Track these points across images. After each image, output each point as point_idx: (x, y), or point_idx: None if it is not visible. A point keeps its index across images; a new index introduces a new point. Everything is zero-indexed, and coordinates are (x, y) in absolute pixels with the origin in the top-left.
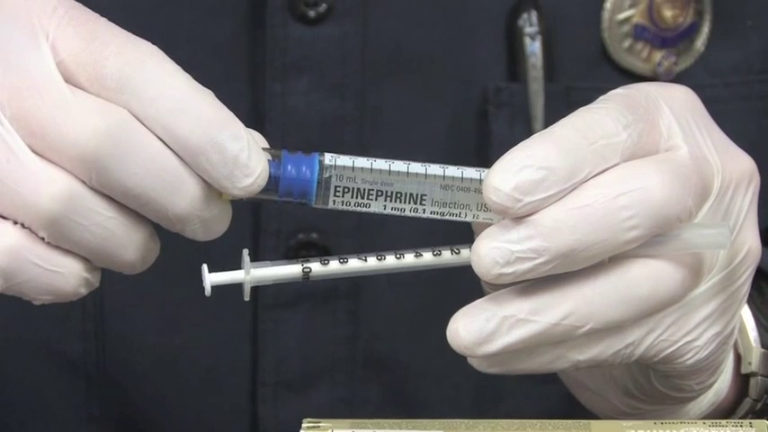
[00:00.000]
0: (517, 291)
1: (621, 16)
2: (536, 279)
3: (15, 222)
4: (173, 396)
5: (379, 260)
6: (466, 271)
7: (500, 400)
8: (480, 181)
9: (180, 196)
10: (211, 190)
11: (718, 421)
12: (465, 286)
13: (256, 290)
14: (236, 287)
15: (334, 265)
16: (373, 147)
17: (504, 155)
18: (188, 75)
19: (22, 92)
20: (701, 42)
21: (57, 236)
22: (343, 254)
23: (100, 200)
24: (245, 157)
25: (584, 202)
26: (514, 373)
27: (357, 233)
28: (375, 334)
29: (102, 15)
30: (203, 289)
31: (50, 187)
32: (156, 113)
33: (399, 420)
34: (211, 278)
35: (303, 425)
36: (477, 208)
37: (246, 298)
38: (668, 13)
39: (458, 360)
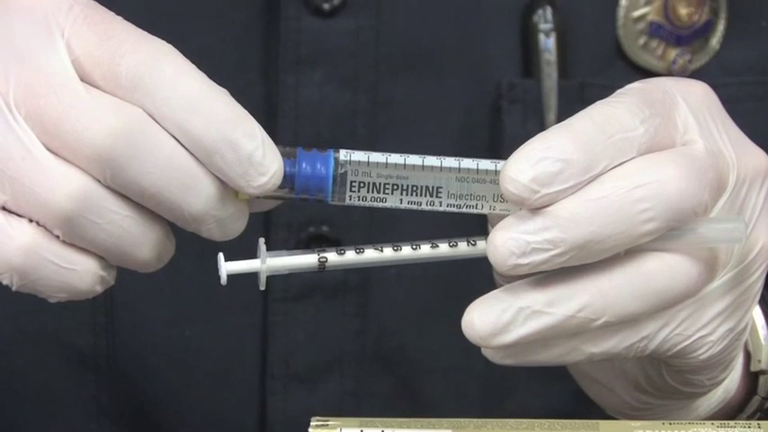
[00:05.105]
0: (533, 282)
1: (637, 13)
2: (551, 271)
3: (31, 220)
4: (182, 388)
5: (396, 251)
6: (475, 267)
7: (507, 396)
8: (496, 172)
9: (195, 195)
10: (227, 189)
11: (726, 422)
12: (474, 282)
13: (267, 283)
14: (248, 280)
15: (350, 255)
16: (385, 140)
17: (522, 146)
18: (202, 73)
19: (37, 90)
20: (715, 41)
21: (72, 234)
22: None
23: (115, 198)
24: (259, 155)
25: (600, 195)
26: (528, 365)
27: (369, 226)
28: (384, 328)
29: (115, 5)
30: (218, 278)
31: (65, 186)
32: (171, 112)
33: (408, 419)
34: (227, 267)
35: (312, 423)
36: (493, 199)
37: (262, 287)
38: (683, 10)
39: (466, 355)
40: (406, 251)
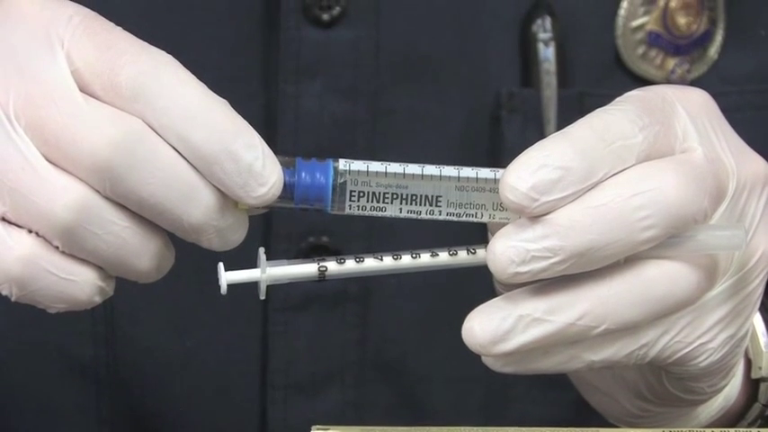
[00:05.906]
0: (533, 290)
1: (635, 23)
2: (551, 279)
3: (30, 231)
4: (182, 399)
5: (395, 260)
6: (475, 275)
7: (508, 405)
8: (495, 181)
9: (194, 206)
10: (226, 199)
11: (726, 430)
12: (475, 291)
13: (267, 293)
14: (248, 290)
15: (350, 265)
16: (385, 150)
17: (522, 154)
18: (203, 84)
19: (36, 100)
20: (714, 50)
21: (71, 245)
22: None
23: (114, 209)
24: (259, 166)
25: (600, 202)
26: (529, 373)
27: (369, 237)
28: (384, 337)
29: (116, 16)
30: (218, 288)
31: (65, 196)
32: (170, 122)
33: (408, 427)
34: (227, 276)
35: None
36: (492, 208)
37: (262, 296)
38: (682, 20)
39: (467, 364)
40: (406, 260)
